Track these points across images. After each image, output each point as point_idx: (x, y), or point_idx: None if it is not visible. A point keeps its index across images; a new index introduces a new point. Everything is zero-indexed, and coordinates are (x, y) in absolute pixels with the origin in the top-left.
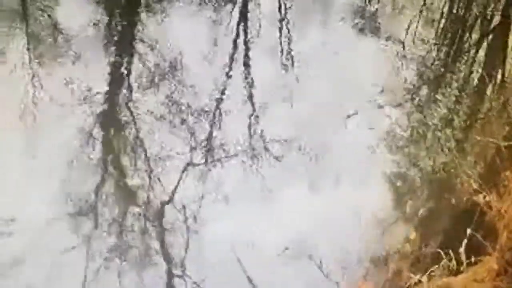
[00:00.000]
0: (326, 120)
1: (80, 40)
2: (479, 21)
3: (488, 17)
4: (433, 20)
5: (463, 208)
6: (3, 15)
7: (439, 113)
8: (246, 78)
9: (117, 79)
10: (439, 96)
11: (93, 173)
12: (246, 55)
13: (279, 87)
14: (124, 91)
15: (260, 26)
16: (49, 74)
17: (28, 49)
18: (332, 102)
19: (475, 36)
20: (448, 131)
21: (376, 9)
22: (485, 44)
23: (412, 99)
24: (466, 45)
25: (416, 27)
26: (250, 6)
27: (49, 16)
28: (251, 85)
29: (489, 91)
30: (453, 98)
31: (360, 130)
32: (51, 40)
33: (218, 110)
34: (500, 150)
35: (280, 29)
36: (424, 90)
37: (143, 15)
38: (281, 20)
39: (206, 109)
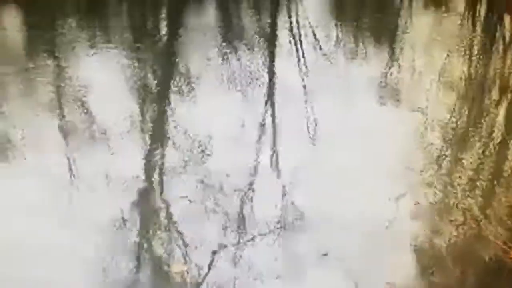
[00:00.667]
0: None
1: (115, 131)
2: (497, 80)
3: (506, 75)
4: (452, 83)
5: (492, 270)
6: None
7: (464, 174)
8: (274, 160)
9: (151, 166)
10: (464, 158)
11: (129, 259)
12: (274, 136)
13: (307, 164)
14: (157, 177)
15: (286, 106)
16: (85, 163)
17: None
18: (358, 177)
19: (494, 95)
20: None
21: (397, 79)
22: (505, 103)
23: (438, 163)
24: (487, 105)
25: (437, 92)
26: (277, 86)
27: (83, 107)
28: (278, 165)
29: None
30: (477, 159)
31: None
32: (87, 132)
33: (250, 189)
34: None
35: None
36: (449, 154)
37: (172, 99)
38: (305, 101)
39: (237, 190)
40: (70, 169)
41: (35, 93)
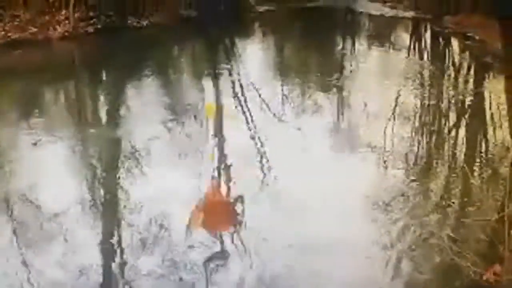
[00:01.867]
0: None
1: (66, 218)
2: (453, 103)
3: (461, 97)
4: (408, 117)
5: None
6: None
7: (431, 203)
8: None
9: (109, 250)
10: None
11: None
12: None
13: (276, 226)
14: (118, 260)
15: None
16: (39, 255)
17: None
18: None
19: (452, 118)
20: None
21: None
22: (463, 123)
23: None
24: (445, 130)
25: (393, 128)
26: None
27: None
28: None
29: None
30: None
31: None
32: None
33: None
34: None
35: (261, 162)
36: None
37: (122, 180)
38: (261, 156)
39: (201, 263)
40: (24, 263)
41: None
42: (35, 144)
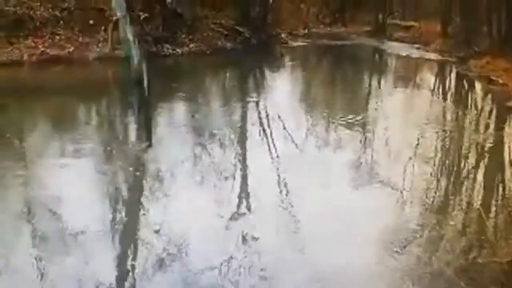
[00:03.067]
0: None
1: (86, 237)
2: (473, 146)
3: (482, 140)
4: (428, 158)
5: None
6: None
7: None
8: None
9: (124, 270)
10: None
11: None
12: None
13: (288, 255)
14: (131, 280)
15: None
16: (59, 270)
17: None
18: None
19: (471, 161)
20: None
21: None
22: (482, 166)
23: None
24: (464, 172)
25: (412, 168)
26: (250, 181)
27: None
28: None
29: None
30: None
31: None
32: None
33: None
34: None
35: (280, 192)
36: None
37: (144, 200)
38: (278, 183)
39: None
40: (42, 275)
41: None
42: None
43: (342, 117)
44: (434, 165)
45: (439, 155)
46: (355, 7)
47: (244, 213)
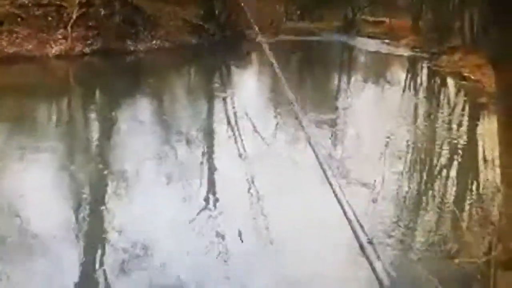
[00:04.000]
0: None
1: (48, 238)
2: (445, 142)
3: (454, 136)
4: (399, 154)
5: None
6: None
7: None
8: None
9: (90, 272)
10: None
11: None
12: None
13: (257, 259)
14: (101, 281)
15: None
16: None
17: None
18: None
19: (444, 157)
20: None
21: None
22: (455, 163)
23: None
24: (437, 169)
25: (383, 164)
26: (218, 181)
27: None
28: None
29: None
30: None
31: None
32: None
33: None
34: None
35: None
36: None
37: (110, 202)
38: (248, 189)
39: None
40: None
41: None
42: None
43: (311, 114)
44: (406, 162)
45: (410, 152)
46: (324, 3)
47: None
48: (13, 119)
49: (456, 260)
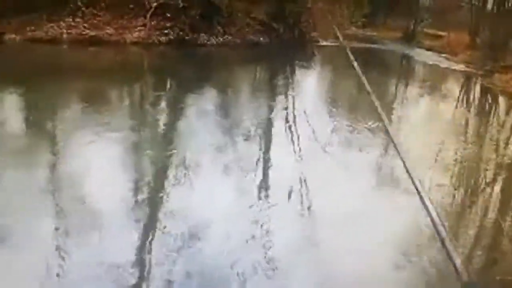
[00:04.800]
0: None
1: (107, 214)
2: (493, 159)
3: (502, 154)
4: (448, 167)
5: None
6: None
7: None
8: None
9: (142, 249)
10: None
11: None
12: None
13: (304, 250)
14: (149, 257)
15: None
16: (77, 246)
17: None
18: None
19: (490, 174)
20: None
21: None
22: (501, 180)
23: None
24: (482, 183)
25: (432, 175)
26: (272, 174)
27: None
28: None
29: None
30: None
31: None
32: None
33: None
34: None
35: (301, 192)
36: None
37: (168, 188)
38: (300, 182)
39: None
40: (61, 254)
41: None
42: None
43: (367, 121)
44: (453, 175)
45: (458, 165)
46: (387, 12)
47: None
48: (86, 99)
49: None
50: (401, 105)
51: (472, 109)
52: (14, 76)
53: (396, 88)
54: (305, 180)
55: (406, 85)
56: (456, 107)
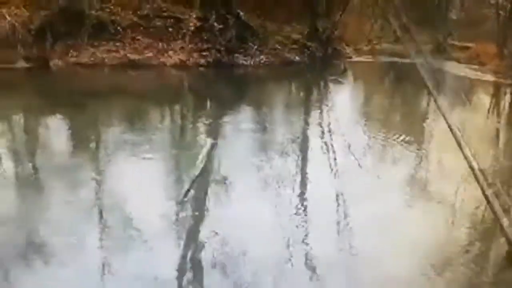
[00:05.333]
0: None
1: (151, 232)
2: None
3: None
4: (479, 178)
5: None
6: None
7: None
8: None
9: (183, 266)
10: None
11: None
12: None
13: (341, 261)
14: (190, 275)
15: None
16: (121, 263)
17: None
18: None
19: None
20: None
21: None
22: None
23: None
24: None
25: (464, 188)
26: (309, 189)
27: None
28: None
29: None
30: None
31: None
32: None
33: None
34: None
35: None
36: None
37: (209, 204)
38: (337, 195)
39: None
40: (104, 267)
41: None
42: None
43: (400, 134)
44: (484, 186)
45: (490, 176)
46: (415, 26)
47: None
48: (128, 119)
49: None
50: (434, 118)
51: (502, 119)
52: (60, 100)
53: (428, 101)
54: (342, 195)
55: (437, 98)
56: (487, 117)
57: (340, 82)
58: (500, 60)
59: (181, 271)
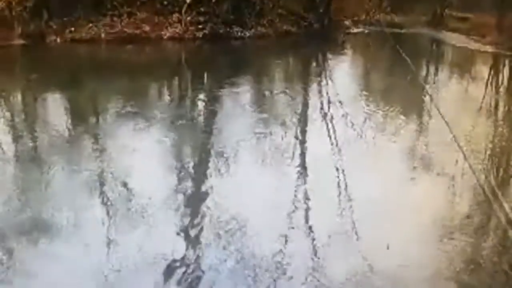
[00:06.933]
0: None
1: (152, 206)
2: None
3: None
4: (479, 149)
5: None
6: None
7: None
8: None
9: (186, 239)
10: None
11: None
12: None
13: (340, 235)
14: (191, 248)
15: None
16: (123, 238)
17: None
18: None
19: None
20: None
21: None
22: None
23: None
24: None
25: (464, 157)
26: (308, 164)
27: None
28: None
29: None
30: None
31: None
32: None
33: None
34: None
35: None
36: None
37: (213, 180)
38: (337, 169)
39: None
40: (108, 244)
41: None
42: None
43: (399, 105)
44: (485, 156)
45: (490, 146)
46: None
47: None
48: (127, 93)
49: None
50: (433, 87)
51: (501, 89)
52: (57, 76)
53: (427, 71)
54: (342, 167)
55: (436, 68)
56: (486, 87)
57: (337, 54)
58: (498, 31)
59: (182, 244)
